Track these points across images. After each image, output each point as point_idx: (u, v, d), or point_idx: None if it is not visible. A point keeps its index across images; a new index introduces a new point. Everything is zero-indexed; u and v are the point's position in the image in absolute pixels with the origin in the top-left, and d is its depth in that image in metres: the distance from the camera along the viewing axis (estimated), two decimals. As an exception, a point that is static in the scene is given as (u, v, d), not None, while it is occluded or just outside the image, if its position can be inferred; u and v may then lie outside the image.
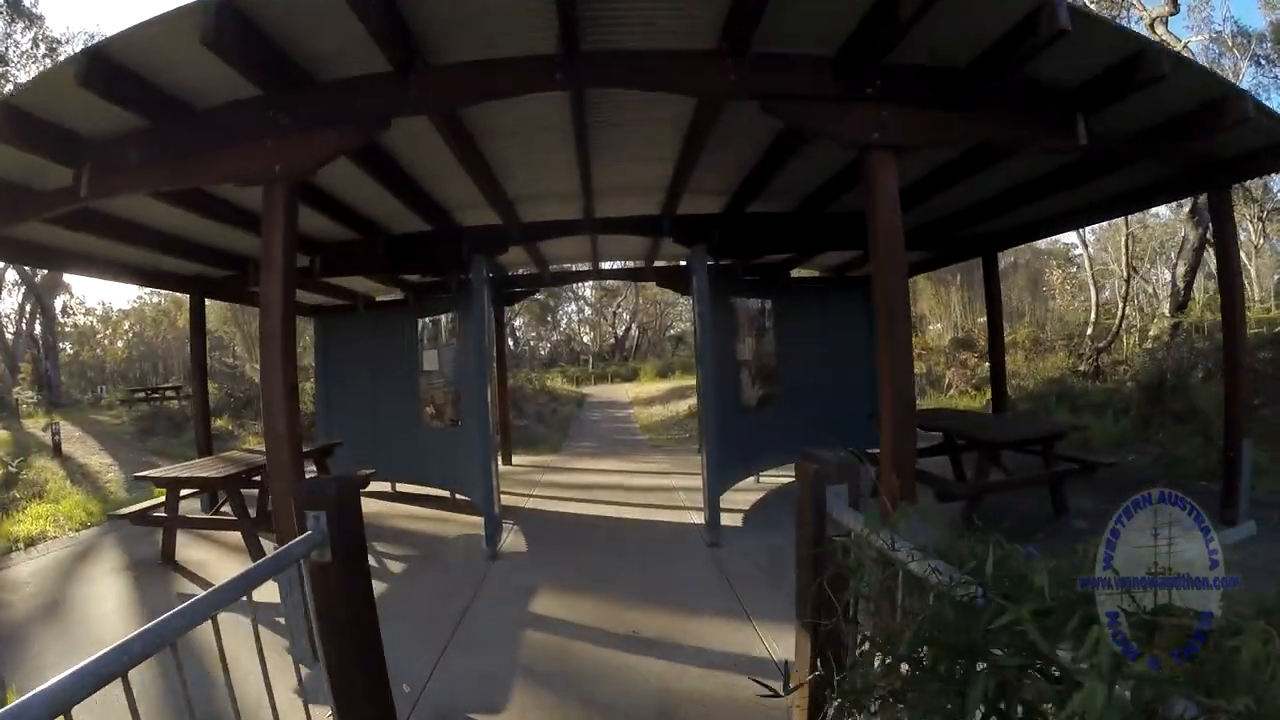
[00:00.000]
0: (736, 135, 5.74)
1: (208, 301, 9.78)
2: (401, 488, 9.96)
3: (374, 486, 9.50)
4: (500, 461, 12.29)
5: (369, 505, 9.15)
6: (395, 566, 6.65)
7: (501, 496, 8.86)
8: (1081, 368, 16.11)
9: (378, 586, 6.03)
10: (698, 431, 13.39)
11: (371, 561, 6.79)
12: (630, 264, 12.36)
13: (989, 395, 17.12)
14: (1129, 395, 12.51)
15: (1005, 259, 26.53)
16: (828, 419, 9.94)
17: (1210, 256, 14.98)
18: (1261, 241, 27.09)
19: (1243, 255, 26.61)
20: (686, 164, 6.06)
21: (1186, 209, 15.99)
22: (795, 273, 11.78)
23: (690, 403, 20.45)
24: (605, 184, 6.95)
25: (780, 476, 9.55)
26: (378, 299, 11.39)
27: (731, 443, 7.63)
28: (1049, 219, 8.87)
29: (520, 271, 12.18)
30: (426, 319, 9.53)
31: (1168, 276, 23.17)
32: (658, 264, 12.00)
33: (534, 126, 5.49)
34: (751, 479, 9.15)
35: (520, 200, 7.34)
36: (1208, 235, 15.01)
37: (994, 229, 9.34)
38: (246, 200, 6.15)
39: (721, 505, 6.97)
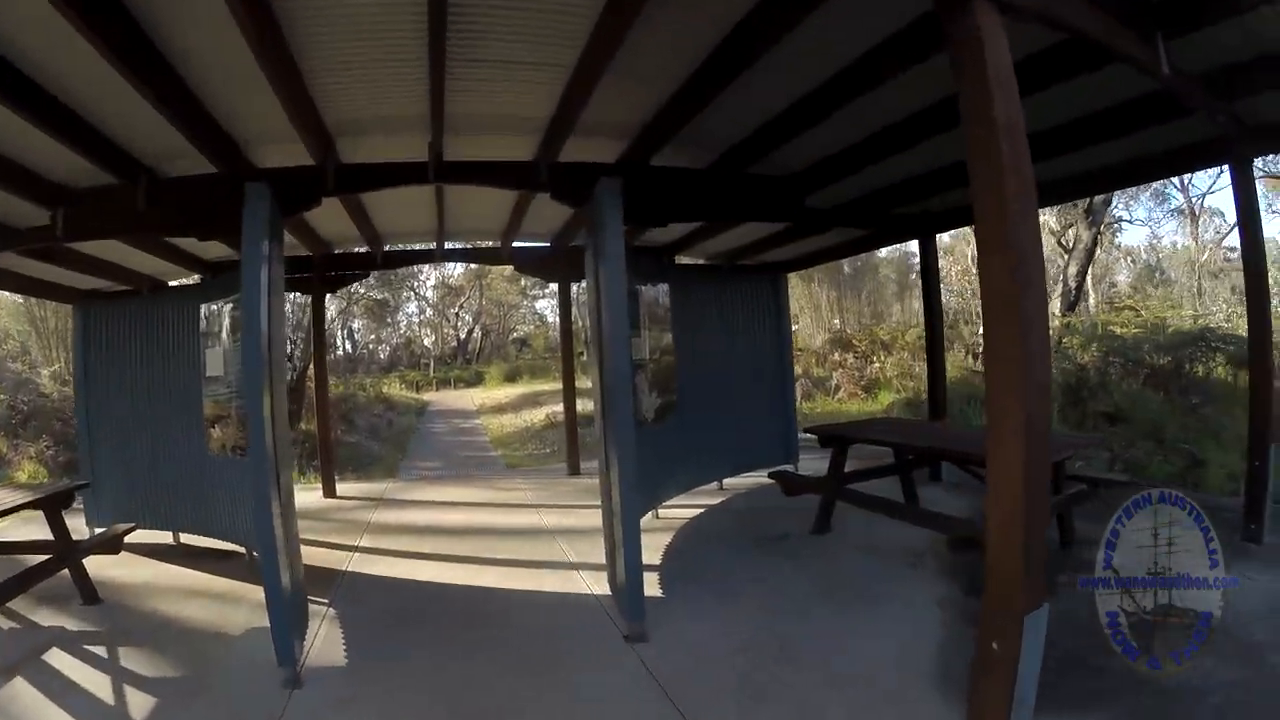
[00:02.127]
0: (669, 31, 3.81)
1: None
2: (189, 539, 7.13)
3: (152, 538, 6.92)
4: (321, 493, 9.73)
5: (134, 570, 6.35)
6: (138, 707, 3.99)
7: (313, 551, 6.50)
8: (978, 367, 15.37)
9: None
10: (565, 448, 11.32)
11: (104, 693, 4.14)
12: (485, 244, 10.06)
13: (881, 399, 16.69)
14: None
15: (855, 264, 26.06)
16: (737, 432, 8.40)
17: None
18: (1099, 252, 28.43)
19: (1117, 259, 28.11)
20: (590, 70, 4.03)
21: (1081, 209, 15.81)
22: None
23: (548, 411, 18.46)
24: (465, 109, 4.74)
25: (682, 508, 7.60)
26: (172, 284, 8.53)
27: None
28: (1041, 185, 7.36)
29: (348, 250, 9.59)
30: (212, 305, 6.85)
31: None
32: (517, 244, 9.82)
33: None
34: (649, 514, 7.07)
35: (343, 131, 5.02)
36: (1100, 234, 15.31)
37: (946, 205, 7.89)
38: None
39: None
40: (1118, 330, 13.65)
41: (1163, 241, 30.80)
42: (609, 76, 4.12)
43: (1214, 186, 25.98)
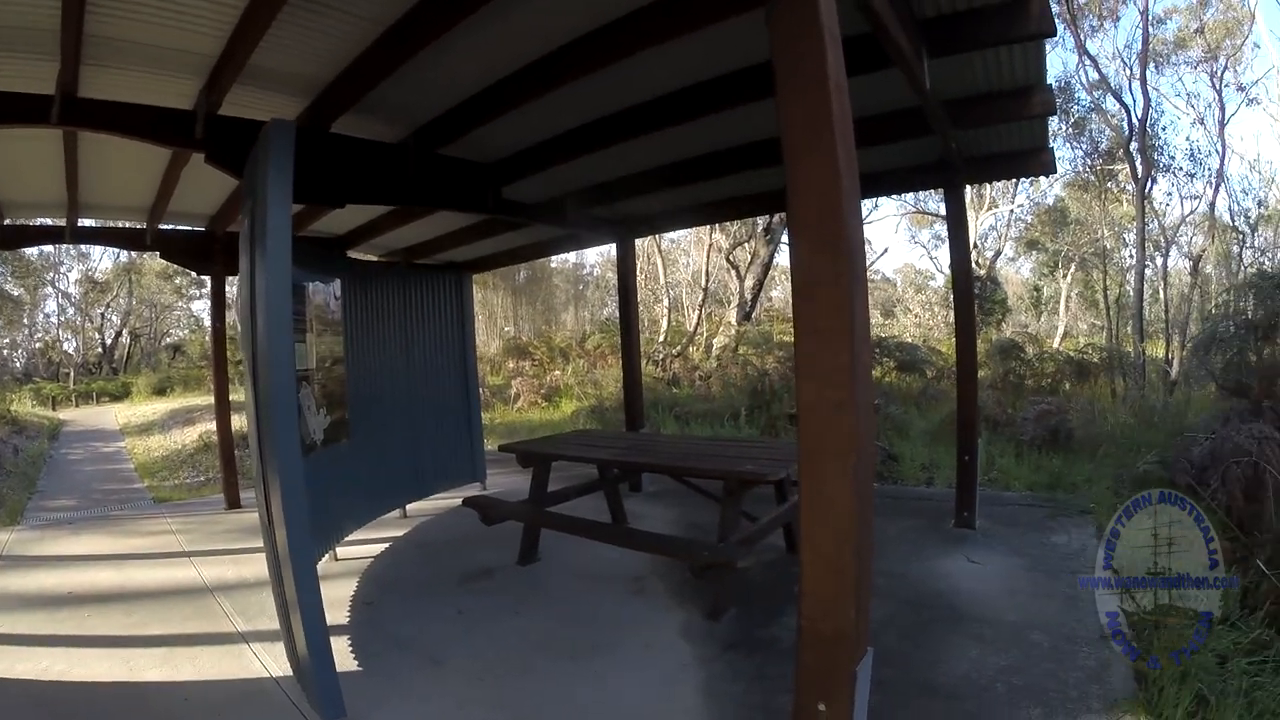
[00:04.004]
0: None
1: None
2: None
3: None
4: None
5: None
6: None
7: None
8: (659, 374, 16.51)
9: None
10: (221, 474, 9.58)
11: None
12: (129, 224, 8.60)
13: (564, 407, 16.71)
14: (732, 401, 12.59)
15: (530, 271, 26.25)
16: (420, 451, 7.85)
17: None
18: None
19: (774, 275, 30.48)
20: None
21: (761, 227, 17.71)
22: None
23: (201, 430, 16.36)
24: (113, 31, 3.76)
25: (363, 544, 6.78)
26: None
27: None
28: (736, 200, 7.87)
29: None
30: None
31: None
32: (166, 226, 8.40)
33: None
34: (326, 557, 6.14)
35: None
36: (775, 253, 17.02)
37: (647, 210, 8.23)
38: None
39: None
40: (786, 338, 14.82)
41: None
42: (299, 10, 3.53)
43: (869, 218, 29.41)
